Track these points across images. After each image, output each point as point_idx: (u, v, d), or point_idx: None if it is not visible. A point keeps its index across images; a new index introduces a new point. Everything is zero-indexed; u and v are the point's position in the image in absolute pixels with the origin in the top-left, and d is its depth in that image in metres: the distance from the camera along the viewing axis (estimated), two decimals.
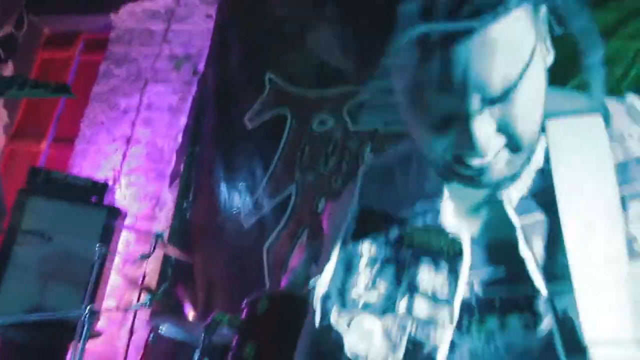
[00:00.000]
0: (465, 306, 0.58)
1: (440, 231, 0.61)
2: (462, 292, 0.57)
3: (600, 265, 0.52)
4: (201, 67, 3.61)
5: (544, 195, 0.58)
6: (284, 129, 3.20)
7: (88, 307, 1.47)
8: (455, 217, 0.61)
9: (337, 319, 0.63)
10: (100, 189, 2.94)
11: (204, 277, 3.05)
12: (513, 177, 0.58)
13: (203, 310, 2.97)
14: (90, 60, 4.14)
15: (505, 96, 0.51)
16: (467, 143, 0.52)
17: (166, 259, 3.04)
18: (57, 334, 2.48)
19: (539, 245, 0.56)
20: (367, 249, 0.65)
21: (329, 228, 0.79)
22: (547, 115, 0.59)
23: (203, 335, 1.57)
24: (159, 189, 3.39)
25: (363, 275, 0.64)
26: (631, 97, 0.64)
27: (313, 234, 2.86)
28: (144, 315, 2.59)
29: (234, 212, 3.12)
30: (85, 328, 1.77)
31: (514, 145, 0.54)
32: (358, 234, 0.67)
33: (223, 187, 3.21)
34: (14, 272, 2.59)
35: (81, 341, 1.42)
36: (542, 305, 0.54)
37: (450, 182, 0.62)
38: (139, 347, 2.50)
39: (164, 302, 2.85)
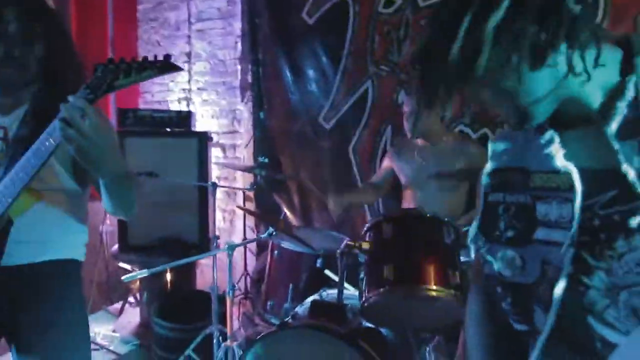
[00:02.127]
0: (588, 226, 0.70)
1: (555, 172, 0.75)
2: (577, 216, 0.70)
3: None
4: None
5: (636, 123, 0.67)
6: (348, 17, 3.02)
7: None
8: (565, 157, 0.74)
9: (487, 252, 0.84)
10: (185, 117, 3.05)
11: (296, 182, 3.25)
12: (610, 112, 0.69)
13: (301, 214, 3.24)
14: None
15: None
16: None
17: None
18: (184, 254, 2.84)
19: (638, 161, 0.66)
20: (501, 197, 0.83)
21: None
22: (638, 53, 0.69)
23: (339, 261, 1.74)
24: (232, 102, 3.46)
25: (501, 219, 0.82)
26: None
27: (396, 129, 2.88)
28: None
29: (313, 115, 3.16)
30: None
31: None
32: (494, 188, 0.85)
33: (296, 91, 3.22)
34: None
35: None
36: None
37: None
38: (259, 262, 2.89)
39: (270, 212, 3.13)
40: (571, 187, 0.72)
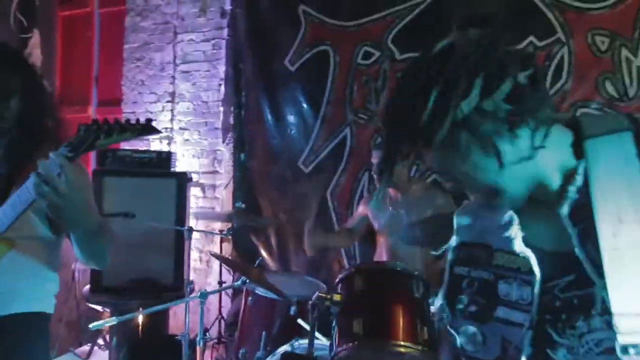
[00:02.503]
0: (549, 307, 0.72)
1: (514, 254, 0.76)
2: (536, 299, 0.72)
3: (625, 252, 0.64)
4: (228, 6, 3.46)
5: (584, 206, 0.69)
6: (329, 67, 3.13)
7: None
8: (524, 240, 0.75)
9: (450, 325, 0.84)
10: (165, 158, 3.08)
11: (274, 224, 3.26)
12: (563, 196, 0.71)
13: (278, 257, 3.24)
14: (110, 12, 4.03)
15: None
16: None
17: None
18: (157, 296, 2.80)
19: (589, 247, 0.68)
20: (466, 272, 0.83)
21: None
22: (586, 137, 0.70)
23: (310, 313, 1.75)
24: (214, 143, 3.50)
25: (465, 293, 0.82)
26: None
27: (373, 176, 2.94)
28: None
29: (293, 158, 3.21)
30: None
31: None
32: (460, 262, 0.85)
33: (277, 135, 3.28)
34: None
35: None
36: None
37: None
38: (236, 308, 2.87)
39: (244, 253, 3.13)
40: (530, 270, 0.73)
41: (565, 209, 0.70)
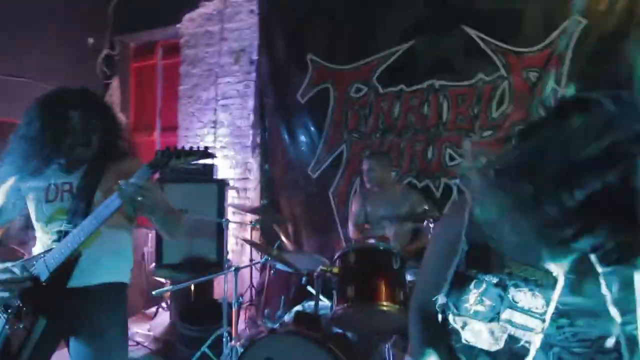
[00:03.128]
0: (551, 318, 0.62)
1: (540, 269, 0.63)
2: (552, 310, 0.62)
3: None
4: (255, 56, 3.48)
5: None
6: (329, 99, 3.13)
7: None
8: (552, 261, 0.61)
9: (454, 320, 0.70)
10: (209, 169, 3.09)
11: (291, 216, 3.26)
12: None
13: (295, 240, 3.23)
14: (169, 63, 4.08)
15: None
16: None
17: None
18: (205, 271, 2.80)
19: (616, 287, 0.57)
20: (475, 274, 0.68)
21: (434, 253, 0.80)
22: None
23: (315, 281, 1.74)
24: (245, 157, 3.51)
25: (472, 293, 0.68)
26: None
27: (363, 181, 2.92)
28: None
29: (304, 168, 3.21)
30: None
31: None
32: (469, 264, 0.69)
33: (291, 150, 3.28)
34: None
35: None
36: (611, 323, 0.58)
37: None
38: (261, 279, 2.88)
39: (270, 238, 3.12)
40: (549, 284, 0.62)
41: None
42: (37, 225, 1.32)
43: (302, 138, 3.22)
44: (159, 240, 2.93)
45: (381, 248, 1.75)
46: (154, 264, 3.05)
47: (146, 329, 3.05)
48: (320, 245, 3.04)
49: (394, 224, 2.35)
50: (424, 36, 2.76)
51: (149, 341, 2.86)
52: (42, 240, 1.30)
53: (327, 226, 3.06)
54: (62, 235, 1.23)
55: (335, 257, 1.82)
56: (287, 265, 2.14)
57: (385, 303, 1.57)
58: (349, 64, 3.04)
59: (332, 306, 1.72)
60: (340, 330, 1.76)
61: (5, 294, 1.21)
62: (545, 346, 0.64)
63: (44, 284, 1.22)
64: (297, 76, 3.21)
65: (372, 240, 1.97)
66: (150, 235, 3.50)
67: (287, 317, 1.91)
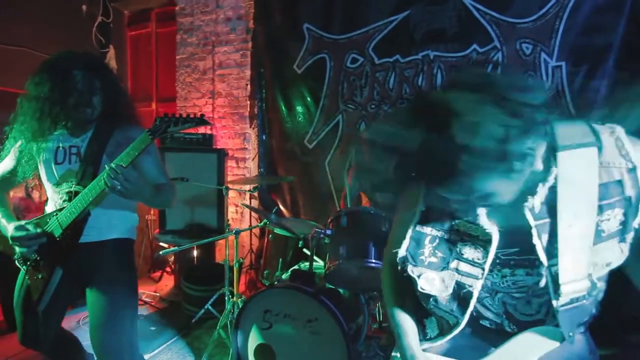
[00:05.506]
0: (493, 264, 0.75)
1: (478, 225, 0.73)
2: (490, 260, 0.73)
3: (576, 240, 0.66)
4: (251, 25, 3.46)
5: (551, 203, 0.67)
6: (326, 69, 3.16)
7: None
8: (488, 217, 0.72)
9: (412, 271, 0.80)
10: (208, 139, 3.16)
11: (288, 185, 3.36)
12: (533, 192, 0.67)
13: (291, 208, 3.36)
14: (165, 31, 4.04)
15: None
16: None
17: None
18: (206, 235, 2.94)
19: (545, 237, 0.69)
20: (429, 231, 0.79)
21: (400, 213, 0.90)
22: (559, 148, 0.65)
23: (310, 242, 1.87)
24: (243, 127, 3.57)
25: (427, 247, 0.78)
26: (619, 130, 0.68)
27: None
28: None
29: (300, 138, 3.27)
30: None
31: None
32: (423, 222, 0.79)
33: (288, 121, 3.33)
34: None
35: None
36: (542, 268, 0.71)
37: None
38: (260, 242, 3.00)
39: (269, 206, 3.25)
40: (487, 241, 0.72)
41: (531, 204, 0.67)
42: (47, 186, 1.40)
43: (299, 109, 3.26)
44: (162, 209, 3.06)
45: (372, 212, 1.86)
46: (157, 231, 3.20)
47: (152, 290, 3.25)
48: (317, 213, 3.16)
49: None
50: (419, 6, 2.76)
51: (155, 301, 3.05)
52: (54, 200, 1.39)
53: (323, 196, 3.16)
54: (72, 195, 1.32)
55: (329, 220, 1.94)
56: (285, 229, 2.27)
57: (373, 260, 1.69)
58: (344, 34, 3.04)
59: (324, 265, 1.85)
60: (332, 287, 1.92)
61: (23, 249, 1.33)
62: (492, 292, 0.77)
63: (58, 239, 1.33)
64: (293, 46, 3.20)
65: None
66: None
67: (285, 276, 2.07)
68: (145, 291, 3.17)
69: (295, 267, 2.12)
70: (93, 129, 1.39)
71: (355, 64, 3.04)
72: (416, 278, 0.78)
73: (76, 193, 1.31)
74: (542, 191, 0.66)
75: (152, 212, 3.60)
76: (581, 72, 2.43)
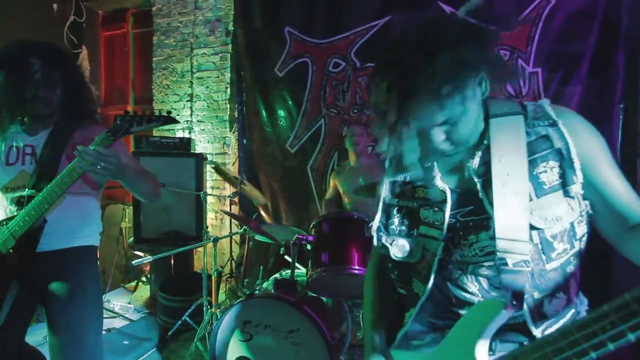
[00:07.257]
0: (454, 229, 0.77)
1: (434, 187, 0.80)
2: (447, 220, 0.77)
3: (510, 196, 0.71)
4: (231, 27, 3.41)
5: (489, 162, 0.74)
6: (307, 73, 3.14)
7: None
8: (442, 179, 0.80)
9: (385, 240, 0.85)
10: (186, 142, 3.08)
11: (269, 191, 3.31)
12: (473, 154, 0.76)
13: (273, 214, 3.31)
14: (141, 32, 3.94)
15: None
16: None
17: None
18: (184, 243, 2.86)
19: (489, 192, 0.73)
20: (396, 202, 0.85)
21: (378, 192, 0.95)
22: (491, 116, 0.76)
23: (292, 249, 1.82)
24: (223, 131, 3.50)
25: (396, 217, 0.84)
26: (544, 101, 0.79)
27: (341, 154, 3.00)
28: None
29: (282, 142, 3.23)
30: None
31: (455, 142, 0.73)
32: (392, 196, 0.86)
33: (269, 125, 3.29)
34: (145, 209, 2.90)
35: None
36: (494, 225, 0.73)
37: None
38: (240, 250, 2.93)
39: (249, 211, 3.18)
40: (443, 201, 0.77)
41: (474, 163, 0.75)
42: None
43: (281, 112, 3.23)
44: (137, 215, 2.95)
45: (355, 217, 1.84)
46: (132, 239, 3.08)
47: (126, 301, 3.11)
48: (299, 219, 3.12)
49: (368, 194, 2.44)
50: (400, 12, 2.79)
51: (129, 313, 2.92)
52: (3, 206, 1.27)
53: (305, 201, 3.13)
54: (24, 200, 1.20)
55: (311, 225, 1.91)
56: (266, 236, 2.22)
57: (357, 267, 1.67)
58: (326, 38, 3.03)
59: (307, 272, 1.81)
60: (314, 295, 1.88)
61: None
62: (463, 267, 0.76)
63: (11, 250, 1.21)
64: (275, 49, 3.17)
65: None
66: (126, 210, 3.49)
67: (266, 284, 2.01)
68: (119, 303, 3.04)
69: (277, 275, 2.07)
70: (52, 126, 1.28)
71: (337, 68, 3.04)
72: (389, 246, 0.83)
73: (30, 198, 1.19)
74: (479, 152, 0.76)
75: (127, 219, 3.47)
76: (556, 78, 2.49)
